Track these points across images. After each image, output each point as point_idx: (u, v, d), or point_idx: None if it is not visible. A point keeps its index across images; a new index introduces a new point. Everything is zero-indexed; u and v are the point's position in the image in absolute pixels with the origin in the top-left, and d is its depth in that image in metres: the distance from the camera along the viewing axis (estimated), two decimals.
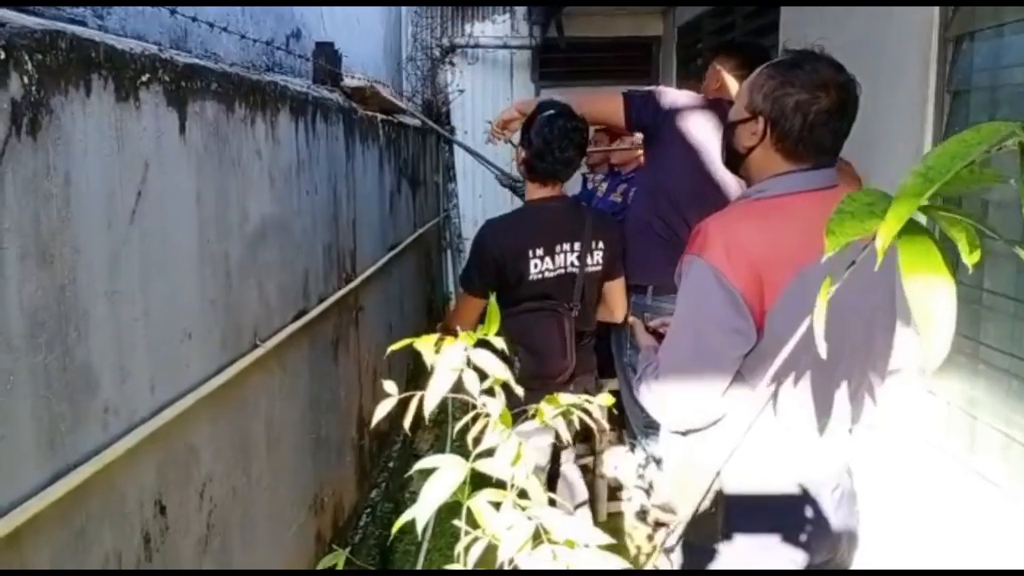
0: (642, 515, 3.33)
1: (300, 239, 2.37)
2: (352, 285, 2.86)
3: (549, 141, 2.33)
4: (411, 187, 4.58)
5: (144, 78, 1.40)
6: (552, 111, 2.38)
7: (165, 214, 1.50)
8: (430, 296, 5.77)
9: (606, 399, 1.15)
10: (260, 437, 2.06)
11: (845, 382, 1.51)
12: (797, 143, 1.47)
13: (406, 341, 0.98)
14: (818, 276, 1.43)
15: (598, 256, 2.42)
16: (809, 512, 1.52)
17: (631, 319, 1.91)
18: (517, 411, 1.19)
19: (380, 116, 3.63)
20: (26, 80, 1.06)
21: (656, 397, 1.53)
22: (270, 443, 2.12)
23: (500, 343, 0.99)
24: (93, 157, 1.25)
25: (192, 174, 1.61)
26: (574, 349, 2.37)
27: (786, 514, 1.53)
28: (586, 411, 1.10)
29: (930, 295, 0.66)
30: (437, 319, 5.60)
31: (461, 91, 5.97)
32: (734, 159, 1.60)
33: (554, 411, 1.09)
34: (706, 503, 1.51)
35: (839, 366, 1.48)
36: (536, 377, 2.28)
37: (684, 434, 1.59)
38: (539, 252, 2.32)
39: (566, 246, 2.36)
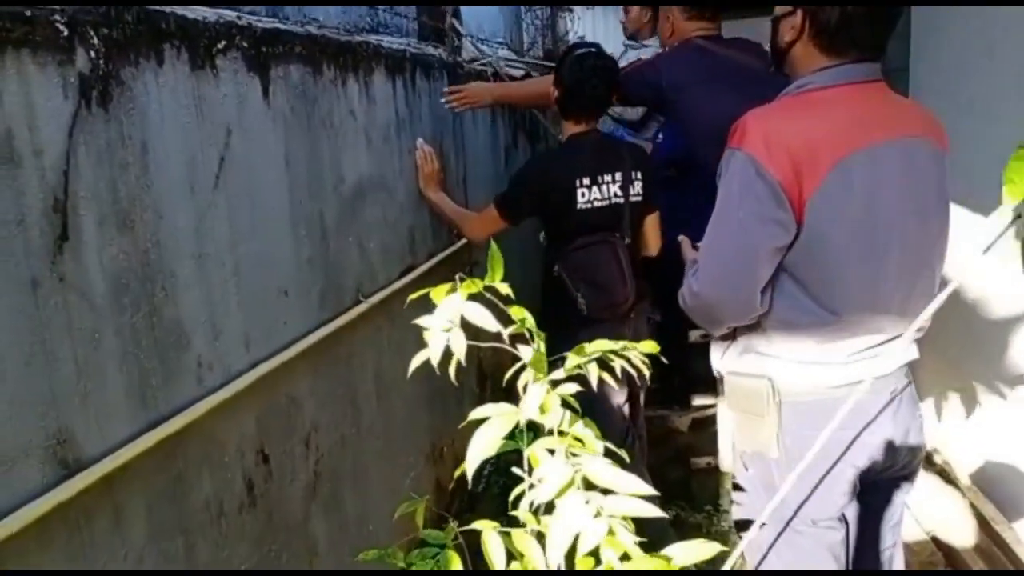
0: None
1: (404, 198, 2.40)
2: (463, 241, 2.88)
3: (580, 80, 2.39)
4: (529, 141, 4.54)
5: (220, 45, 1.44)
6: (582, 50, 2.44)
7: (252, 178, 1.56)
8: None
9: (651, 345, 1.09)
10: (368, 388, 2.13)
11: (897, 280, 1.47)
12: (834, 36, 1.45)
13: (422, 291, 0.96)
14: (858, 166, 1.37)
15: (639, 186, 2.46)
16: (866, 416, 1.51)
17: (680, 237, 1.87)
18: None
19: (491, 69, 3.61)
20: (93, 54, 1.12)
21: (697, 298, 1.54)
22: (380, 394, 2.19)
23: (505, 288, 0.96)
24: (171, 125, 1.31)
25: (279, 137, 1.66)
26: (632, 277, 2.41)
27: (843, 418, 1.49)
28: (627, 359, 1.05)
29: None
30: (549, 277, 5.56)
31: (581, 38, 5.84)
32: (778, 56, 1.58)
33: (583, 359, 1.05)
34: (761, 409, 1.52)
35: (890, 263, 1.45)
36: (603, 308, 2.38)
37: (734, 338, 1.60)
38: (585, 181, 2.38)
39: (607, 177, 2.40)
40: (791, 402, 1.52)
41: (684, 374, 3.64)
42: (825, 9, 1.45)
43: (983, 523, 2.41)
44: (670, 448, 3.52)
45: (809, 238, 1.41)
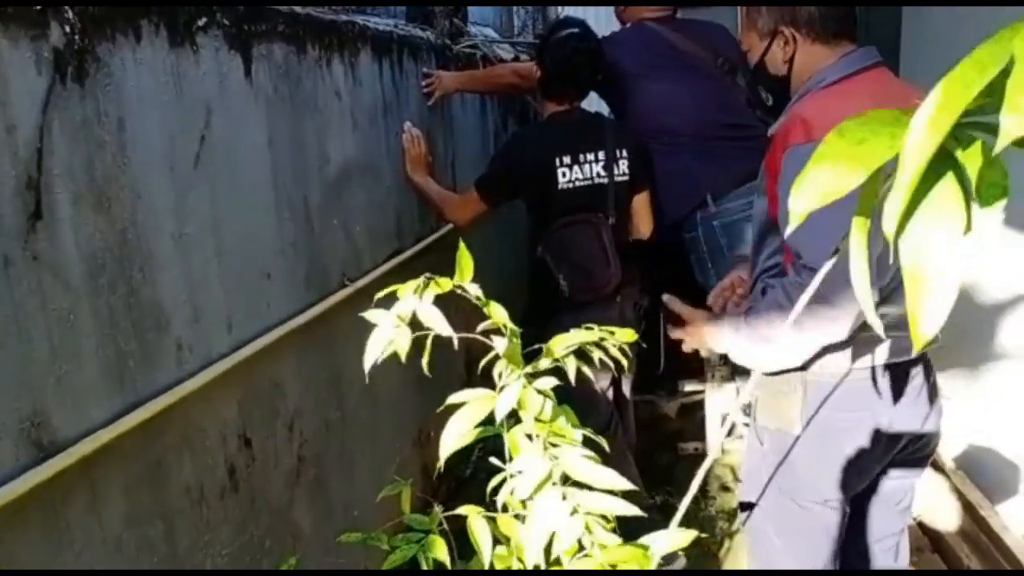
0: None
1: (391, 181, 2.38)
2: (449, 226, 2.86)
3: (563, 62, 2.36)
4: (519, 124, 4.52)
5: (201, 22, 1.42)
6: (565, 32, 2.39)
7: (233, 158, 1.53)
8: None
9: (629, 334, 1.08)
10: (354, 373, 2.12)
11: None
12: (825, 25, 1.50)
13: (390, 289, 0.94)
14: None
15: (624, 165, 2.42)
16: (888, 399, 1.52)
17: (665, 298, 1.76)
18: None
19: (480, 52, 3.58)
20: (67, 28, 1.09)
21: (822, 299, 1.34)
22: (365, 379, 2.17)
23: (476, 289, 0.95)
24: (149, 103, 1.28)
25: (261, 117, 1.63)
26: (617, 259, 2.36)
27: (865, 401, 1.52)
28: (604, 348, 1.04)
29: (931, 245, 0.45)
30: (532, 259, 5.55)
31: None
32: (779, 83, 1.59)
33: (564, 349, 1.04)
34: (787, 387, 1.53)
35: None
36: (585, 291, 2.34)
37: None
38: (565, 160, 2.34)
39: (590, 156, 2.36)
40: (814, 382, 1.53)
41: (671, 360, 3.65)
42: (799, 9, 1.51)
43: (968, 507, 2.42)
44: (658, 433, 3.53)
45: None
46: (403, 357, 0.90)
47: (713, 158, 2.63)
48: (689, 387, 3.49)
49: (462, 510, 1.18)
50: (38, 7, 1.04)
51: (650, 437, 3.40)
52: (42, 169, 1.06)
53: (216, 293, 1.47)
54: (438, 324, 0.91)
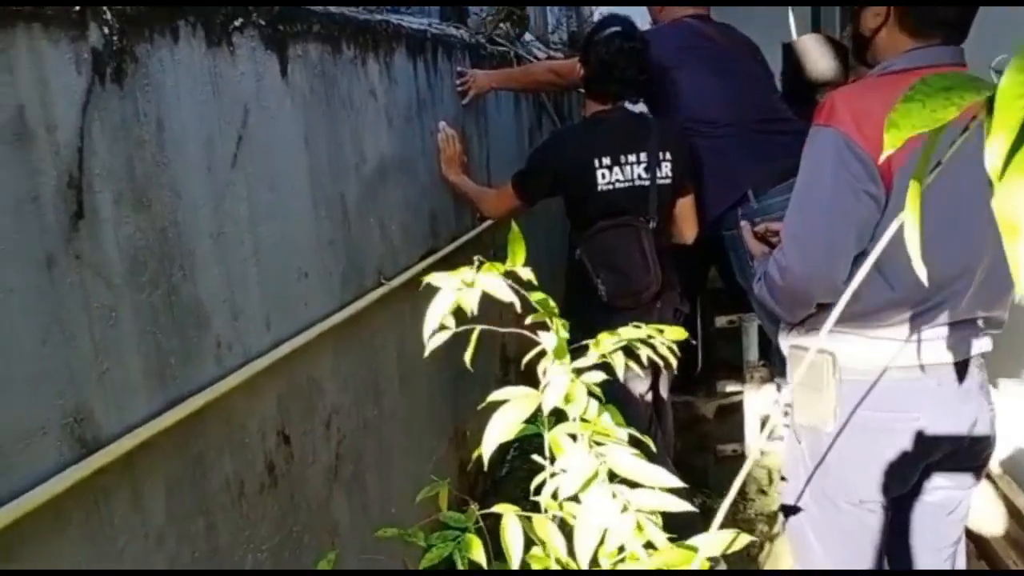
0: None
1: (425, 179, 2.38)
2: (485, 224, 2.86)
3: (607, 62, 2.27)
4: (553, 123, 4.50)
5: (237, 23, 1.43)
6: (609, 30, 2.30)
7: (271, 157, 1.54)
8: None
9: (679, 332, 1.06)
10: (391, 371, 2.12)
11: (973, 263, 1.44)
12: (921, 18, 1.45)
13: (431, 276, 0.94)
14: (940, 146, 1.33)
15: (667, 168, 2.33)
16: (929, 401, 1.48)
17: (742, 223, 1.82)
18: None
19: (514, 51, 3.57)
20: (106, 30, 1.11)
21: (787, 275, 1.48)
22: (402, 377, 2.18)
23: (527, 274, 0.93)
24: (187, 103, 1.29)
25: (298, 117, 1.64)
26: (657, 264, 2.29)
27: (904, 401, 1.49)
28: (652, 346, 1.03)
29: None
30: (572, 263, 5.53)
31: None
32: (860, 43, 1.56)
33: (613, 344, 1.02)
34: (820, 383, 1.50)
35: (967, 246, 1.42)
36: (623, 296, 2.28)
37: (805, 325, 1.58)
38: (605, 162, 2.27)
39: (632, 157, 2.29)
40: (851, 380, 1.50)
41: (709, 360, 3.60)
42: None
43: (1015, 513, 2.35)
44: (695, 435, 3.48)
45: (887, 215, 1.40)
46: (473, 311, 0.88)
47: (752, 151, 2.58)
48: (726, 388, 3.44)
49: (497, 508, 1.17)
50: (77, 8, 1.06)
51: (687, 438, 3.37)
52: (83, 169, 1.07)
53: (254, 291, 1.48)
54: (501, 292, 0.89)
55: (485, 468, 1.08)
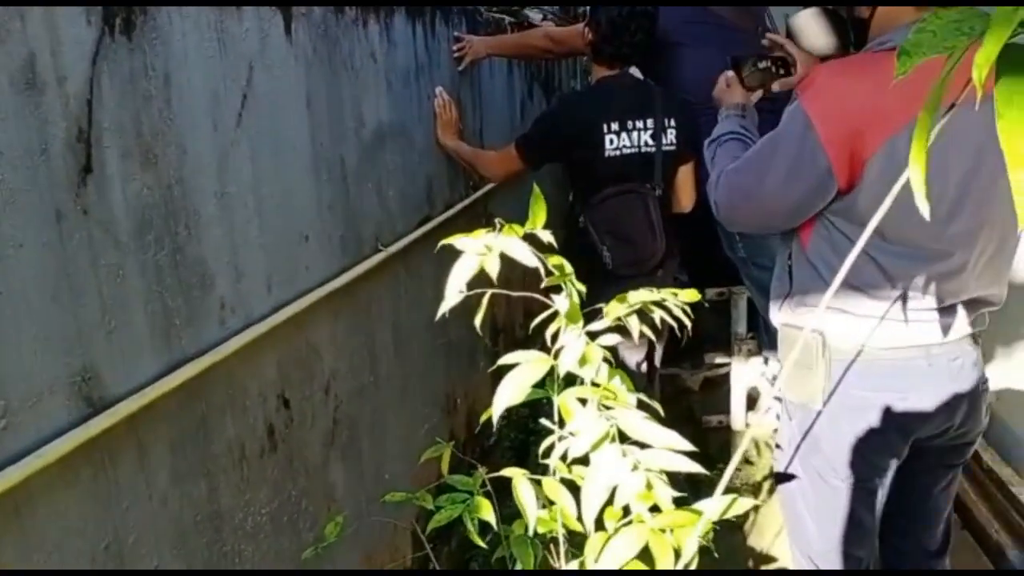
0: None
1: (422, 145, 2.36)
2: (479, 193, 2.84)
3: (617, 25, 2.24)
4: (544, 93, 4.47)
5: None
6: None
7: (274, 117, 1.51)
8: (569, 206, 5.67)
9: (691, 294, 1.07)
10: (387, 338, 2.11)
11: (964, 244, 1.44)
12: None
13: (451, 239, 0.93)
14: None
15: (672, 135, 2.33)
16: (920, 379, 1.49)
17: (726, 74, 1.85)
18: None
19: (508, 18, 3.53)
20: None
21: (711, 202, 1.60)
22: (397, 344, 2.17)
23: (547, 236, 0.93)
24: (194, 58, 1.26)
25: (301, 76, 1.61)
26: (663, 232, 2.30)
27: (893, 379, 1.50)
28: (667, 309, 1.03)
29: None
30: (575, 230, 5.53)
31: None
32: (860, 30, 1.51)
33: (624, 309, 1.02)
34: (810, 361, 1.51)
35: (957, 226, 1.41)
36: (630, 264, 2.29)
37: (790, 292, 1.60)
38: (613, 127, 2.26)
39: (639, 123, 2.28)
40: (840, 359, 1.50)
41: (696, 332, 3.62)
42: None
43: (999, 485, 2.40)
44: (680, 406, 3.51)
45: (870, 195, 1.38)
46: (494, 276, 0.89)
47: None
48: (713, 360, 3.47)
49: (506, 472, 1.17)
50: None
51: (673, 410, 3.39)
52: (92, 122, 1.04)
53: (256, 253, 1.46)
54: (522, 255, 0.89)
55: (495, 430, 1.08)
